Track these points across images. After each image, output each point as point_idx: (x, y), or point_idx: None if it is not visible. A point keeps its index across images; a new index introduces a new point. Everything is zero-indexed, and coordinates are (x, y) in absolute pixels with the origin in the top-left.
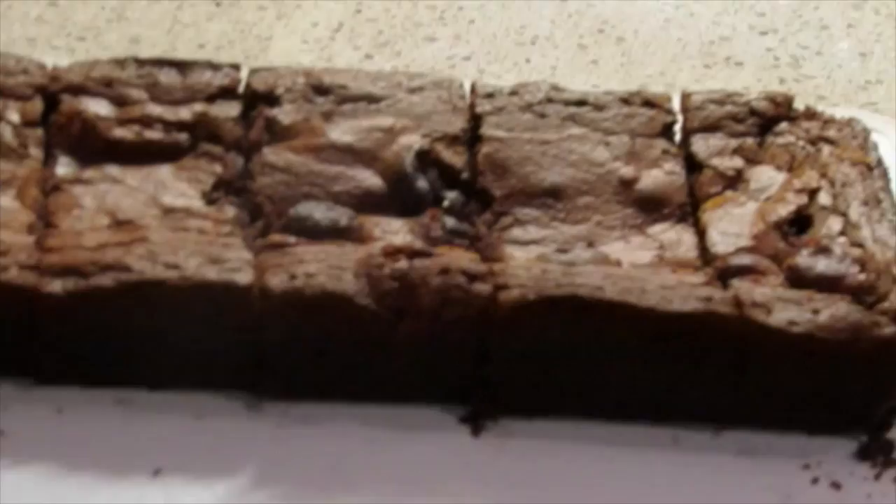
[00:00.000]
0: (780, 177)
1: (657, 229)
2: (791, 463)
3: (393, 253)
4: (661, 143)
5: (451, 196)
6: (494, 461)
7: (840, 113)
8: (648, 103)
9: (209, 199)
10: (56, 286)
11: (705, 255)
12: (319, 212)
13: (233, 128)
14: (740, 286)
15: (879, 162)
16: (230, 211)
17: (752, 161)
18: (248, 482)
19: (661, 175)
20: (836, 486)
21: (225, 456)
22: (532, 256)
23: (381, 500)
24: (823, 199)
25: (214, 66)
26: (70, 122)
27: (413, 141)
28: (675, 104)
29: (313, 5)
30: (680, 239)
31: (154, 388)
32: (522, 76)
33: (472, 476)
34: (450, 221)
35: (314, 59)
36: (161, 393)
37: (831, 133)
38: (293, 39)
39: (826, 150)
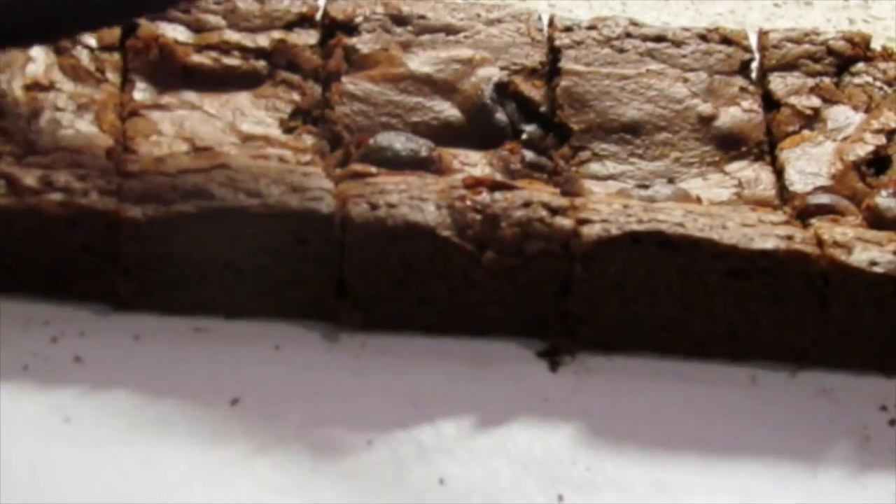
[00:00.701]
0: (858, 117)
1: (735, 167)
2: (869, 404)
3: (474, 185)
4: (738, 81)
5: (529, 129)
6: (572, 397)
7: None
8: (726, 40)
9: (287, 128)
10: (136, 212)
11: (783, 194)
12: (399, 142)
13: (311, 56)
14: (820, 225)
15: None
16: (309, 140)
17: (829, 100)
18: (326, 414)
19: (738, 112)
20: None
21: (303, 387)
22: (611, 191)
23: (458, 433)
24: None
25: None
26: (147, 48)
27: (492, 73)
28: (752, 41)
29: None
30: (758, 177)
31: (231, 316)
32: (593, 10)
33: (550, 412)
34: (528, 155)
35: None
36: (238, 322)
37: None
38: None
39: None
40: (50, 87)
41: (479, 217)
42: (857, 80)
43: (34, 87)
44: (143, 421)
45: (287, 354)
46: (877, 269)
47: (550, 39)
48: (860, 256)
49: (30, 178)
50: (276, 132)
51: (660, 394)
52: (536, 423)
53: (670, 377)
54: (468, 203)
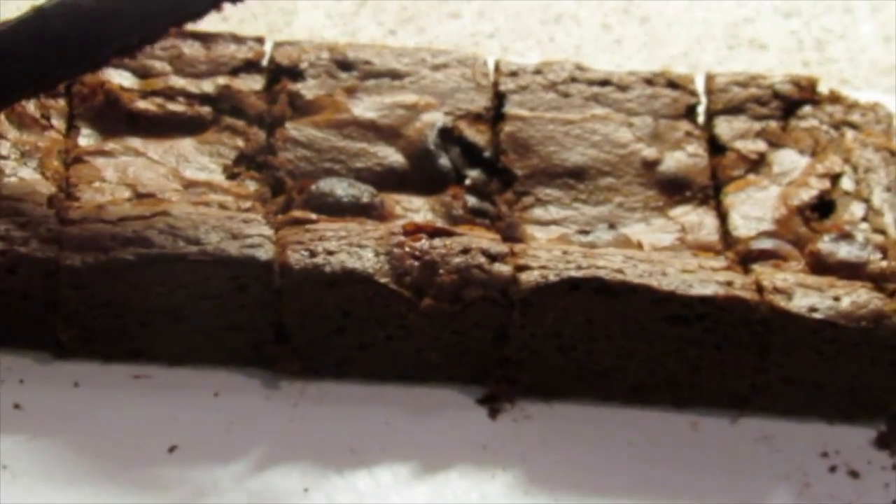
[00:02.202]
0: (804, 161)
1: (679, 212)
2: (809, 450)
3: (414, 231)
4: (684, 125)
5: (473, 174)
6: (511, 444)
7: (864, 97)
8: (672, 84)
9: (231, 174)
10: (76, 259)
11: (727, 239)
12: (341, 188)
13: (256, 101)
14: (762, 271)
15: None
16: (252, 185)
17: (775, 144)
18: (264, 461)
19: (683, 157)
20: (854, 474)
21: (241, 434)
22: (553, 237)
23: (395, 480)
24: (846, 184)
25: (238, 39)
26: (93, 93)
27: (436, 118)
28: (699, 85)
29: None
30: (702, 222)
31: (172, 363)
32: (546, 54)
33: (488, 459)
34: (471, 200)
35: (338, 33)
36: (178, 369)
37: (855, 117)
38: (317, 14)
39: (850, 134)
40: None
41: (417, 263)
42: (803, 124)
43: None
44: (80, 468)
45: (226, 401)
46: (816, 315)
47: (496, 84)
48: (800, 302)
49: None
50: (219, 178)
51: (600, 441)
52: (474, 471)
53: (611, 424)
54: (407, 249)
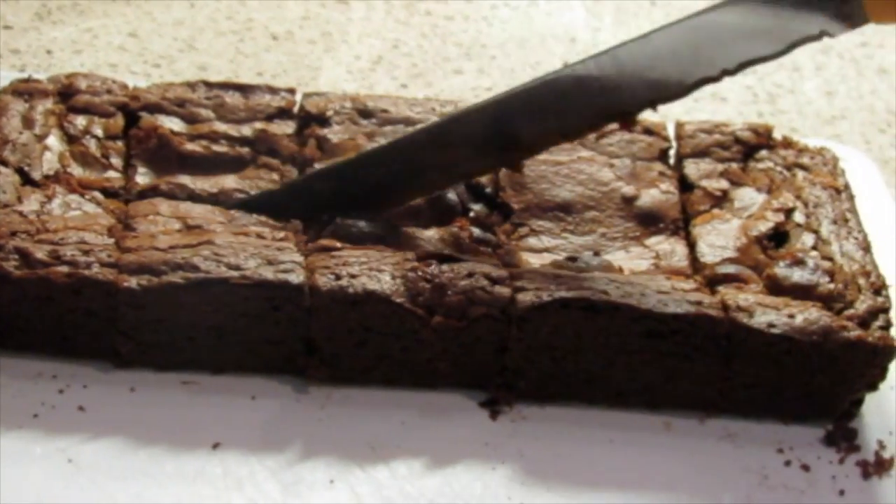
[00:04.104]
0: (761, 197)
1: (654, 241)
2: (767, 447)
3: (426, 257)
4: (657, 166)
5: (476, 208)
6: (510, 442)
7: (811, 143)
8: (647, 131)
9: None
10: (132, 282)
11: (695, 264)
12: (363, 220)
13: (288, 143)
14: (726, 292)
15: (847, 186)
16: None
17: (736, 183)
18: (295, 456)
19: (657, 194)
20: (805, 468)
21: (275, 433)
22: (546, 262)
23: (410, 473)
24: (798, 217)
25: (273, 90)
26: (148, 137)
27: None
28: (671, 132)
29: (357, 40)
30: (673, 249)
31: (215, 371)
32: None
33: (489, 455)
34: (475, 230)
35: (357, 86)
36: (221, 376)
37: (805, 160)
38: (339, 70)
39: (800, 174)
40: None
41: (428, 286)
42: (760, 165)
43: (50, 175)
44: (136, 462)
45: (262, 404)
46: (774, 331)
47: None
48: (760, 319)
49: (41, 253)
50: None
51: (586, 438)
52: (477, 464)
53: (595, 424)
54: (419, 273)
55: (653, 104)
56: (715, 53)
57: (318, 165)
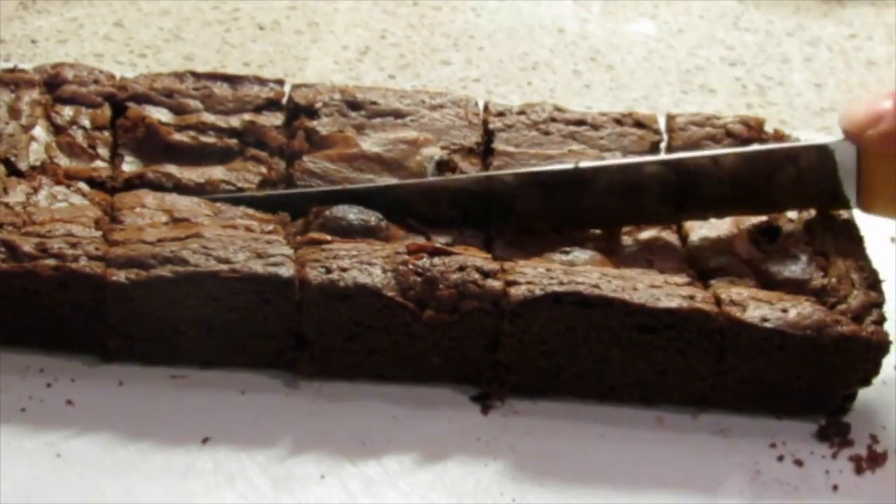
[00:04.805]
0: None
1: (646, 234)
2: (760, 442)
3: (416, 251)
4: None
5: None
6: (501, 436)
7: (800, 135)
8: (638, 124)
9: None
10: (120, 276)
11: (688, 258)
12: (352, 213)
13: (277, 135)
14: (719, 286)
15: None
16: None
17: None
18: (285, 451)
19: None
20: (798, 462)
21: (265, 428)
22: (537, 256)
23: (401, 468)
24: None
25: (261, 81)
26: (135, 126)
27: (434, 152)
28: (661, 124)
29: (344, 31)
30: (666, 243)
31: (204, 366)
32: (525, 97)
33: (481, 450)
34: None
35: (344, 78)
36: (210, 371)
37: None
38: (326, 60)
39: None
40: (50, 165)
41: (419, 279)
42: None
43: (36, 166)
44: (125, 456)
45: (252, 399)
46: (767, 325)
47: (485, 123)
48: (753, 313)
49: (28, 245)
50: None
51: (578, 433)
52: (469, 459)
53: (587, 419)
54: (410, 267)
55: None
56: None
57: (306, 158)
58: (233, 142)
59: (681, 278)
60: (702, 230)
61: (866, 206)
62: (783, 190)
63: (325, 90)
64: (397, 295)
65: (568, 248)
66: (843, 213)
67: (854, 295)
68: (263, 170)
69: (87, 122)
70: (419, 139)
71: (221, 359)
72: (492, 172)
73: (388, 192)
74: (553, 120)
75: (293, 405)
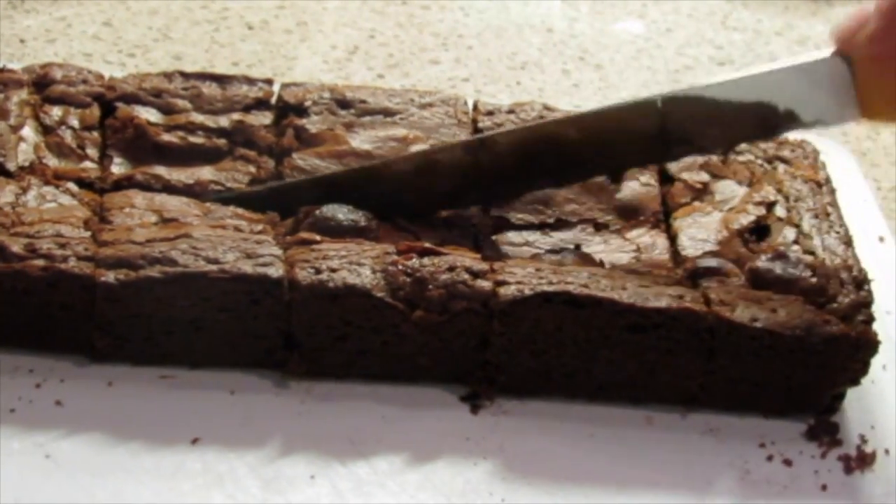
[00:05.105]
0: (742, 190)
1: (634, 234)
2: (749, 442)
3: (406, 251)
4: None
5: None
6: (491, 436)
7: (789, 135)
8: None
9: None
10: (109, 276)
11: (676, 258)
12: (342, 213)
13: (266, 134)
14: (708, 286)
15: (828, 179)
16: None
17: (716, 176)
18: (275, 452)
19: (637, 186)
20: (787, 462)
21: (255, 428)
22: (526, 256)
23: (391, 468)
24: (779, 211)
25: (250, 81)
26: (124, 127)
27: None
28: None
29: (333, 30)
30: (654, 242)
31: (193, 366)
32: (514, 96)
33: (471, 449)
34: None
35: (333, 77)
36: (199, 371)
37: (786, 153)
38: (315, 60)
39: (781, 168)
40: (38, 165)
41: (409, 279)
42: (741, 158)
43: (25, 166)
44: (114, 457)
45: (241, 399)
46: (757, 325)
47: (474, 121)
48: (742, 313)
49: (17, 246)
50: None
51: (567, 433)
52: (459, 459)
53: (577, 418)
54: (400, 267)
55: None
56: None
57: (296, 156)
58: (222, 142)
59: (670, 278)
60: (690, 230)
61: (870, 116)
62: (779, 113)
63: (315, 89)
64: (387, 295)
65: (557, 248)
66: (833, 213)
67: (843, 294)
68: (253, 169)
69: (75, 123)
70: (409, 137)
71: (211, 359)
72: (481, 136)
73: (379, 172)
74: (542, 119)
75: (283, 405)
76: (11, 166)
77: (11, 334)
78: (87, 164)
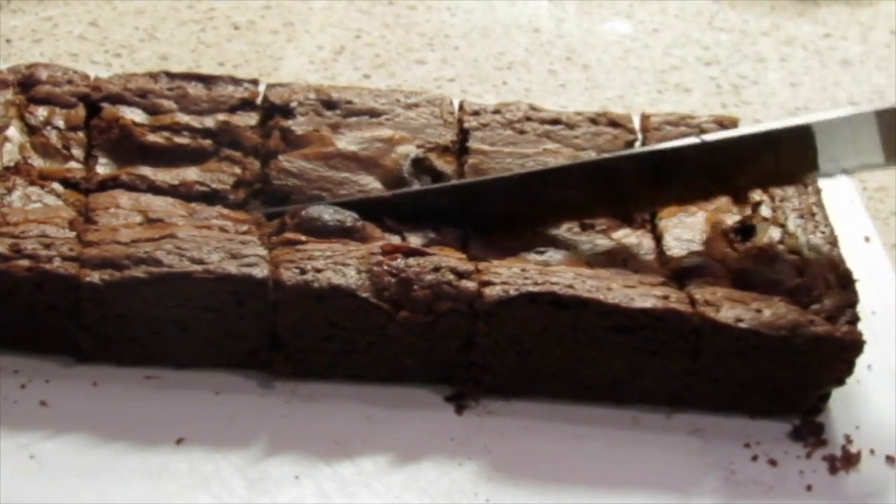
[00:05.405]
0: None
1: (620, 234)
2: (734, 442)
3: (391, 251)
4: None
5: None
6: (476, 437)
7: None
8: (613, 123)
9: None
10: (94, 276)
11: (662, 258)
12: (327, 213)
13: (252, 135)
14: (693, 286)
15: (813, 180)
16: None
17: None
18: (260, 452)
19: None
20: (772, 462)
21: (240, 428)
22: (512, 256)
23: (376, 469)
24: (765, 211)
25: (236, 81)
26: (109, 127)
27: (409, 150)
28: (636, 124)
29: (319, 30)
30: (640, 243)
31: (178, 366)
32: (500, 96)
33: (456, 450)
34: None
35: (319, 77)
36: (184, 371)
37: None
38: (301, 60)
39: None
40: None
41: (394, 280)
42: None
43: (10, 166)
44: (99, 458)
45: (227, 399)
46: (742, 325)
47: (460, 121)
48: (727, 313)
49: (1, 246)
50: (219, 203)
51: (553, 433)
52: (444, 460)
53: (562, 418)
54: (385, 268)
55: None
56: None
57: (282, 157)
58: (207, 142)
59: (655, 279)
60: (676, 230)
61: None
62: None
63: (301, 90)
64: (372, 296)
65: (543, 249)
66: (818, 213)
67: (828, 295)
68: (238, 170)
69: (61, 123)
70: (395, 137)
71: (196, 359)
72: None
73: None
74: (528, 119)
75: (268, 406)
76: None
77: None
78: (73, 164)
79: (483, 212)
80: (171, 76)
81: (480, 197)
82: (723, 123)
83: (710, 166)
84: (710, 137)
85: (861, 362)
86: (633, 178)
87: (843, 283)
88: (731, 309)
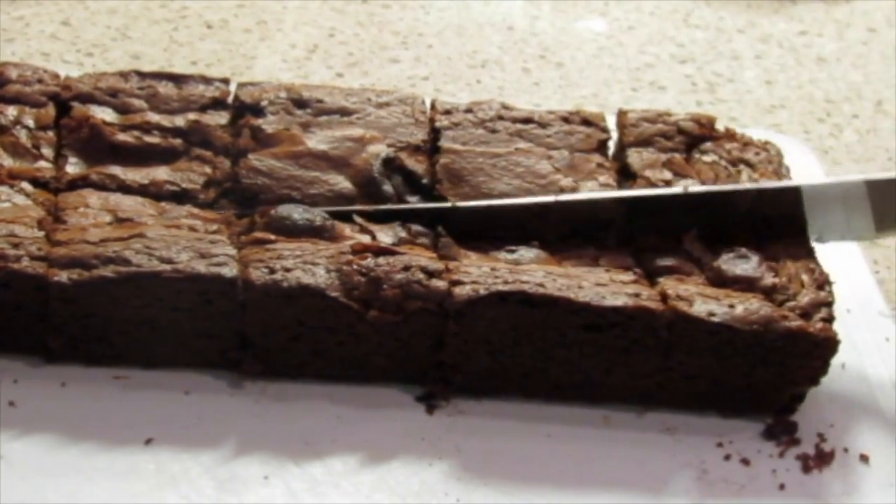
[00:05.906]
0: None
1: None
2: (707, 441)
3: (361, 250)
4: (596, 158)
5: (413, 199)
6: (446, 436)
7: (750, 133)
8: (586, 122)
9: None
10: (63, 276)
11: (635, 256)
12: (297, 212)
13: (222, 135)
14: (666, 283)
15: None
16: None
17: (679, 174)
18: (229, 452)
19: (596, 186)
20: (745, 461)
21: (209, 428)
22: (483, 255)
23: (345, 469)
24: None
25: (207, 80)
26: (79, 126)
27: (380, 149)
28: (610, 123)
29: (292, 29)
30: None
31: (147, 366)
32: (474, 95)
33: (426, 450)
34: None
35: (292, 76)
36: (153, 371)
37: (750, 156)
38: (274, 58)
39: (745, 172)
40: None
41: (364, 279)
42: (705, 158)
43: None
44: (67, 458)
45: (196, 399)
46: (714, 319)
47: (432, 121)
48: (700, 308)
49: None
50: (188, 203)
51: (524, 432)
52: (414, 460)
53: (533, 418)
54: (355, 267)
55: None
56: None
57: (252, 156)
58: (177, 141)
59: (627, 276)
60: None
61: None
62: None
63: (271, 88)
64: (341, 295)
65: (513, 248)
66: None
67: (803, 293)
68: (208, 170)
69: (31, 122)
70: (365, 137)
71: (165, 359)
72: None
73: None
74: (500, 118)
75: (237, 406)
76: None
77: None
78: (42, 163)
79: (465, 230)
80: (141, 75)
81: (468, 218)
82: (700, 122)
83: (692, 215)
84: (694, 189)
85: (835, 361)
86: (612, 219)
87: (819, 283)
88: (704, 303)
